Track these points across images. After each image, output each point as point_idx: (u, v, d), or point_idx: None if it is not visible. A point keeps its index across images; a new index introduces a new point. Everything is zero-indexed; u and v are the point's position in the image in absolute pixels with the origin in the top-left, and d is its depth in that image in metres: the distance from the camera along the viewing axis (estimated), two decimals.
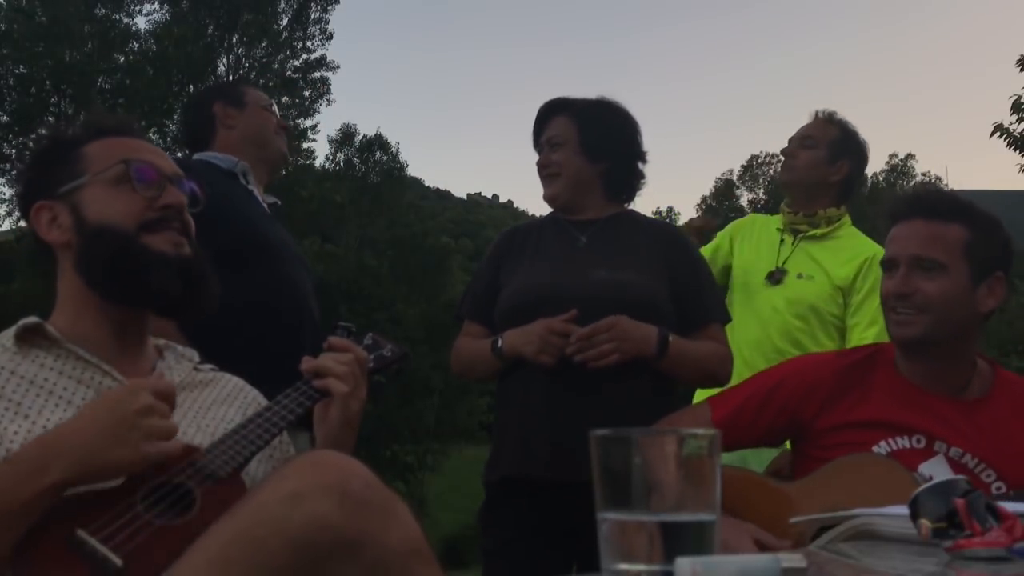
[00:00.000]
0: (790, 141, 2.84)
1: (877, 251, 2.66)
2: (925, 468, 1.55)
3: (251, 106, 2.43)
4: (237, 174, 2.31)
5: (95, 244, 1.30)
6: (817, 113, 2.87)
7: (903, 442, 1.59)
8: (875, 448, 1.59)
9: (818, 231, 2.71)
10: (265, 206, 2.36)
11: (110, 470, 1.04)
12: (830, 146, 2.76)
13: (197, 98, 2.68)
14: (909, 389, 1.65)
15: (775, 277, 2.66)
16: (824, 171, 2.75)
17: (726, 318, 2.14)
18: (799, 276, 2.63)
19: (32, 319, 1.29)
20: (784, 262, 2.66)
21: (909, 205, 1.70)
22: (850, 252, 2.68)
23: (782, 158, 2.87)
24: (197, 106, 2.52)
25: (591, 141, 2.10)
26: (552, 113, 2.17)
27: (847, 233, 2.76)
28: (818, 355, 1.77)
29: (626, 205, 2.21)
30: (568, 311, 1.92)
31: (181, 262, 1.32)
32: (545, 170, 2.15)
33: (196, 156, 2.37)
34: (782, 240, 2.70)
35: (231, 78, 25.36)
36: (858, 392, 1.66)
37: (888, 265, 1.68)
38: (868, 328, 2.57)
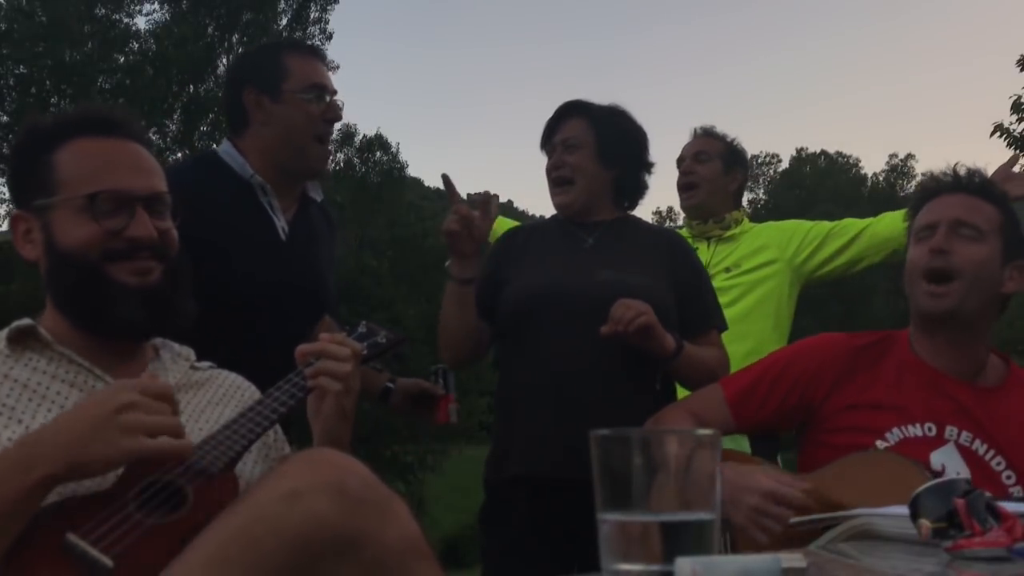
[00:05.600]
0: (679, 163, 2.89)
1: (776, 224, 2.91)
2: (936, 457, 1.56)
3: (288, 95, 1.97)
4: (254, 186, 1.98)
5: (60, 270, 1.29)
6: (696, 130, 2.95)
7: (914, 430, 1.60)
8: (887, 435, 1.60)
9: (731, 231, 2.81)
10: (282, 227, 2.00)
11: (92, 466, 1.03)
12: (722, 157, 2.86)
13: (229, 76, 2.26)
14: (924, 370, 1.65)
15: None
16: (723, 181, 2.85)
17: (724, 325, 2.16)
18: (727, 271, 2.71)
19: (25, 321, 1.28)
20: (707, 264, 2.68)
21: (954, 180, 1.70)
22: (775, 230, 2.84)
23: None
24: (229, 87, 2.10)
25: (608, 147, 2.11)
26: (568, 115, 2.16)
27: (756, 228, 2.87)
28: (831, 335, 1.78)
29: (629, 212, 2.23)
30: (574, 310, 1.93)
31: (145, 292, 1.28)
32: (557, 171, 2.13)
33: (222, 148, 2.04)
34: (696, 248, 2.56)
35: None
36: (869, 373, 1.66)
37: (923, 232, 1.67)
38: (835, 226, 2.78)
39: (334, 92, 2.05)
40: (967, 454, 1.58)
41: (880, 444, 1.59)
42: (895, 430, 1.60)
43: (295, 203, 2.07)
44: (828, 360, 1.68)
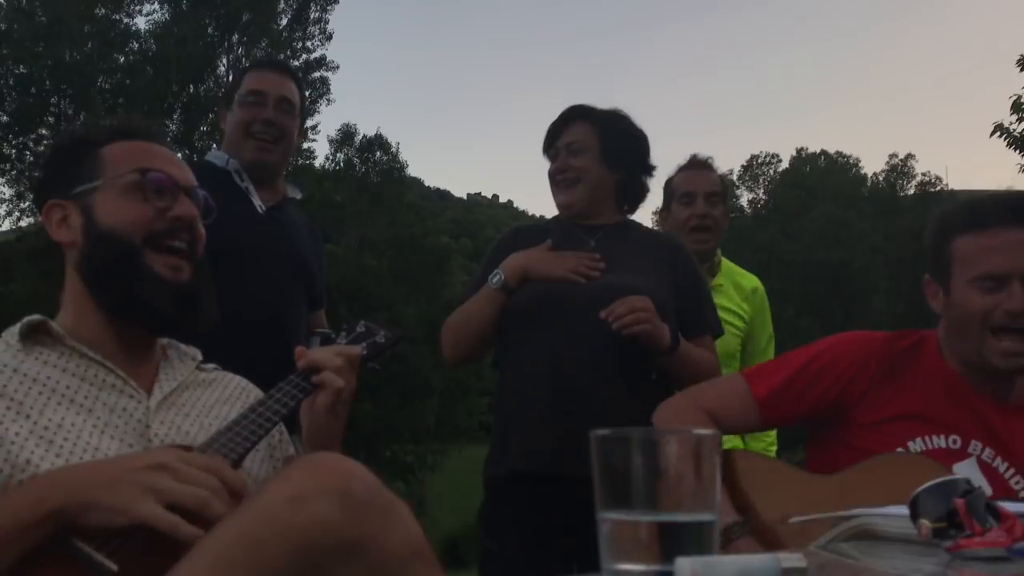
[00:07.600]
0: (687, 197, 2.65)
1: (753, 280, 2.80)
2: (958, 470, 1.53)
3: (235, 103, 2.32)
4: (231, 172, 2.26)
5: (99, 249, 1.30)
6: (695, 159, 2.74)
7: (939, 441, 1.58)
8: (910, 443, 1.57)
9: (716, 281, 2.69)
10: (259, 204, 2.26)
11: (99, 512, 1.00)
12: (724, 195, 2.72)
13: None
14: (955, 383, 1.62)
15: None
16: (726, 222, 2.74)
17: (719, 331, 2.18)
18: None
19: (36, 316, 1.30)
20: None
21: (1010, 212, 1.55)
22: (738, 287, 2.75)
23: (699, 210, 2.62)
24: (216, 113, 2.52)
25: (611, 150, 2.14)
26: (572, 119, 2.19)
27: (723, 269, 2.76)
28: (868, 334, 1.71)
29: (629, 216, 2.26)
30: (575, 310, 1.95)
31: (177, 287, 1.31)
32: (562, 175, 2.16)
33: (209, 154, 2.37)
34: None
35: (231, 78, 25.38)
36: (902, 378, 1.62)
37: (990, 282, 1.54)
38: (767, 346, 2.77)
39: (280, 97, 2.32)
40: (988, 471, 1.55)
41: (901, 452, 1.56)
42: (918, 439, 1.57)
43: (277, 198, 2.34)
44: (869, 362, 1.63)
